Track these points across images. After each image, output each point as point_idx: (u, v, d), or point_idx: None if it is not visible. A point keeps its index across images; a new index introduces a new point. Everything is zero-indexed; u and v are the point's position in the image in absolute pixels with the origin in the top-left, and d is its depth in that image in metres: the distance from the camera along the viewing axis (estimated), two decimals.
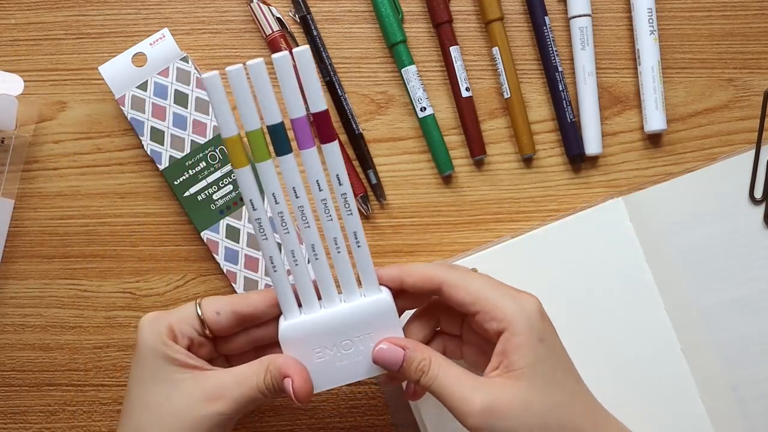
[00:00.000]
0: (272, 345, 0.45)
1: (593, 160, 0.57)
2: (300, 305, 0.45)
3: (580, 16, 0.56)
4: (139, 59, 0.56)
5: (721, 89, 0.57)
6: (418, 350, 0.43)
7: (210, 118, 0.56)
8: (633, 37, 0.57)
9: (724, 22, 0.57)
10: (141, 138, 0.56)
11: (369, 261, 0.44)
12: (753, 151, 0.55)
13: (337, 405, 0.57)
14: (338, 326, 0.44)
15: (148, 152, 0.56)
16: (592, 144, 0.56)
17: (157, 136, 0.56)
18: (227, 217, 0.56)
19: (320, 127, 0.42)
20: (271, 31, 0.56)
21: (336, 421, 0.57)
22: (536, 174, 0.58)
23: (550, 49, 0.56)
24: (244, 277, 0.55)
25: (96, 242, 0.58)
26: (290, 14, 0.58)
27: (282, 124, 0.42)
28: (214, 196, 0.56)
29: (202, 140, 0.56)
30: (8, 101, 0.56)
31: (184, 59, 0.56)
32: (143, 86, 0.55)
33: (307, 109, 0.42)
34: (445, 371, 0.42)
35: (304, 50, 0.41)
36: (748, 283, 0.54)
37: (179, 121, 0.56)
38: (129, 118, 0.56)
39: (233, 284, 0.55)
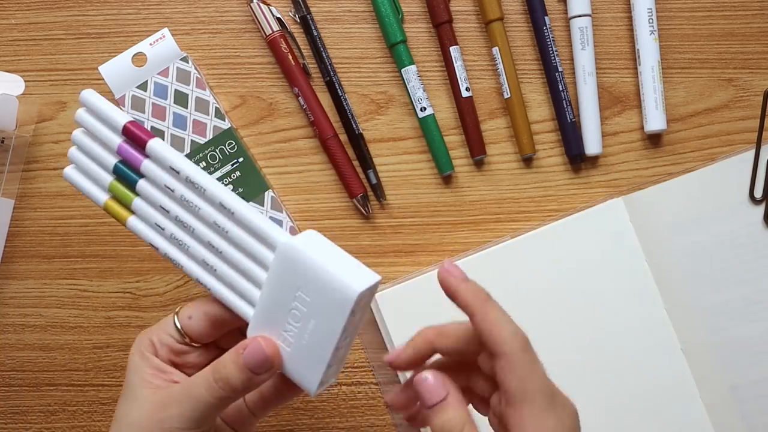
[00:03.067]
0: None
1: (593, 160, 0.57)
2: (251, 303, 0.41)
3: (580, 16, 0.56)
4: (139, 59, 0.56)
5: (721, 89, 0.57)
6: (458, 408, 0.39)
7: (210, 118, 0.56)
8: (633, 37, 0.57)
9: (724, 22, 0.57)
10: None
11: (251, 218, 0.39)
12: (753, 151, 0.55)
13: (337, 405, 0.57)
14: (274, 301, 0.39)
15: None
16: (592, 144, 0.56)
17: (157, 136, 0.55)
18: None
19: (133, 138, 0.41)
20: (271, 31, 0.56)
21: (336, 421, 0.57)
22: (536, 174, 0.58)
23: (550, 49, 0.56)
24: None
25: (96, 242, 0.58)
26: (290, 14, 0.58)
27: (116, 165, 0.42)
28: None
29: (202, 140, 0.56)
30: (8, 101, 0.56)
31: (184, 59, 0.56)
32: (143, 86, 0.55)
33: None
34: None
35: (84, 94, 0.42)
36: (748, 283, 0.54)
37: (179, 121, 0.56)
38: None
39: None
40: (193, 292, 0.57)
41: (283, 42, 0.56)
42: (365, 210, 0.57)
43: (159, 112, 0.56)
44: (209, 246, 0.41)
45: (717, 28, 0.58)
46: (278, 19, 0.57)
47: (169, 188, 0.41)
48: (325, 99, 0.57)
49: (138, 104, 0.55)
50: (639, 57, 0.56)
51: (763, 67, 0.57)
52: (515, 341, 0.38)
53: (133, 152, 0.41)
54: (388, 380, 0.56)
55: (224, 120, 0.56)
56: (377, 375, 0.57)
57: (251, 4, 0.57)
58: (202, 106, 0.56)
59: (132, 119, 0.42)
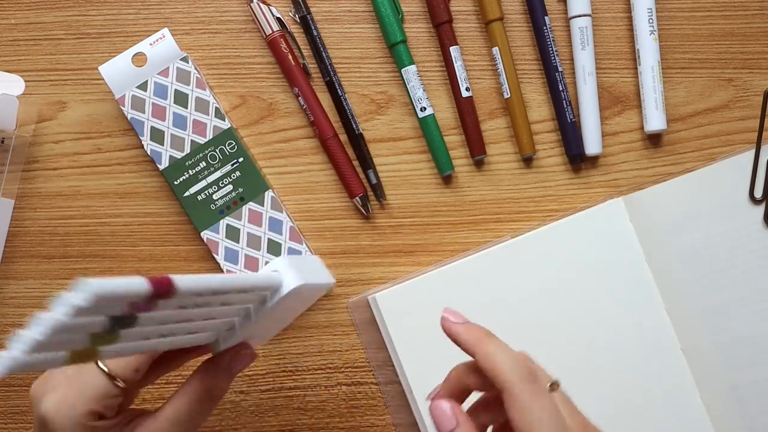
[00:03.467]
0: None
1: (593, 160, 0.57)
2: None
3: (580, 16, 0.56)
4: (139, 59, 0.56)
5: (721, 89, 0.57)
6: None
7: (210, 118, 0.56)
8: (633, 37, 0.57)
9: (724, 22, 0.57)
10: (141, 138, 0.56)
11: (246, 284, 0.38)
12: (753, 151, 0.55)
13: (337, 405, 0.57)
14: (262, 323, 0.41)
15: (148, 152, 0.56)
16: (592, 144, 0.56)
17: (157, 136, 0.56)
18: (227, 217, 0.56)
19: (159, 293, 0.33)
20: (271, 31, 0.56)
21: (336, 421, 0.57)
22: (536, 174, 0.58)
23: (550, 49, 0.56)
24: None
25: (96, 242, 0.58)
26: (290, 14, 0.58)
27: (113, 320, 0.34)
28: (214, 196, 0.56)
29: (202, 140, 0.56)
30: (8, 101, 0.56)
31: (184, 59, 0.56)
32: (143, 86, 0.55)
33: None
34: None
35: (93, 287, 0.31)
36: (748, 283, 0.54)
37: (179, 121, 0.56)
38: (129, 118, 0.56)
39: None
40: None
41: (283, 42, 0.56)
42: (365, 210, 0.57)
43: (159, 112, 0.56)
44: (186, 322, 0.37)
45: (717, 28, 0.57)
46: (278, 19, 0.57)
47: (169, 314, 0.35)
48: (325, 99, 0.57)
49: (138, 104, 0.55)
50: (639, 57, 0.56)
51: (763, 67, 0.57)
52: (514, 373, 0.38)
53: (143, 304, 0.33)
54: (388, 380, 0.56)
55: (224, 120, 0.56)
56: (377, 375, 0.57)
57: (251, 4, 0.57)
58: (202, 106, 0.56)
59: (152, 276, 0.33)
